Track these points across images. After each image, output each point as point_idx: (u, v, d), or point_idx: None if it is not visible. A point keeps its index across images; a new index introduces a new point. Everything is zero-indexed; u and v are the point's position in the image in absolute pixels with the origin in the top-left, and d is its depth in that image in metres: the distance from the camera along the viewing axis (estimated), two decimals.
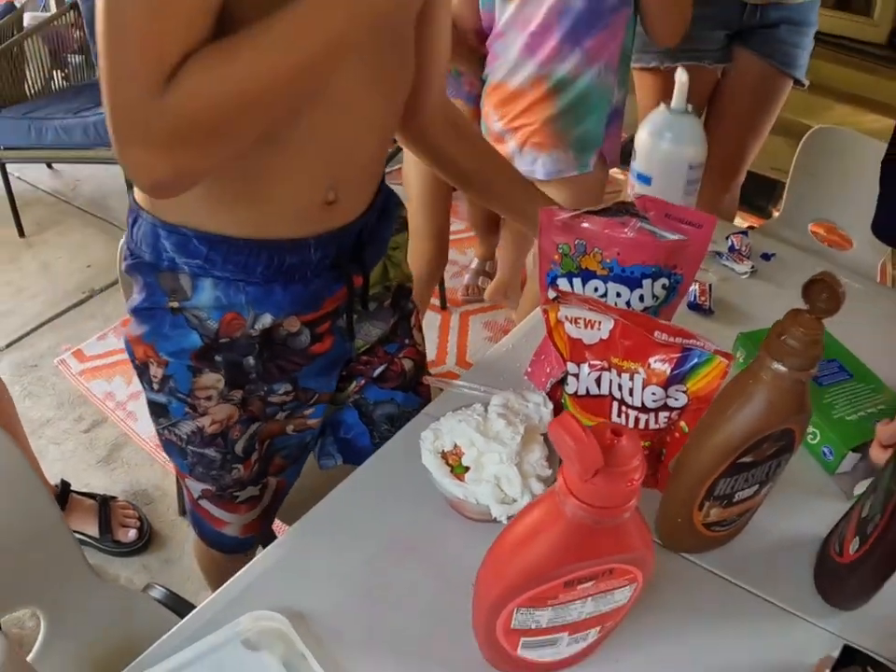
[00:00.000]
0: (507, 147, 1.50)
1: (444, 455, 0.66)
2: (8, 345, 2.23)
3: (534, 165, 1.48)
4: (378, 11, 0.58)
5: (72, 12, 3.25)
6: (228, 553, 1.03)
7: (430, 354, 2.10)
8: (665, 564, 0.70)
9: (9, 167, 2.88)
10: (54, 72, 3.14)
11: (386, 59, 0.71)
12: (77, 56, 3.28)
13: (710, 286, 1.08)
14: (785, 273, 1.22)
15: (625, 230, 0.69)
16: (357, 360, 0.89)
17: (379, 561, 0.67)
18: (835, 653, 0.62)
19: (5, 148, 2.80)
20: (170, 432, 0.84)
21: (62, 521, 0.96)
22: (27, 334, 2.29)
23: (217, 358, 0.76)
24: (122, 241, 0.80)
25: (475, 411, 0.68)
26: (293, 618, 0.60)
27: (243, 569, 0.68)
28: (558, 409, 0.71)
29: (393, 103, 0.76)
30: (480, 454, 0.64)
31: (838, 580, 0.69)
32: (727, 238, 1.24)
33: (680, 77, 0.83)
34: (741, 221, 3.06)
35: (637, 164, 0.88)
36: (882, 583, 0.66)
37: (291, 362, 0.80)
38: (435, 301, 2.26)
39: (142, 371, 0.80)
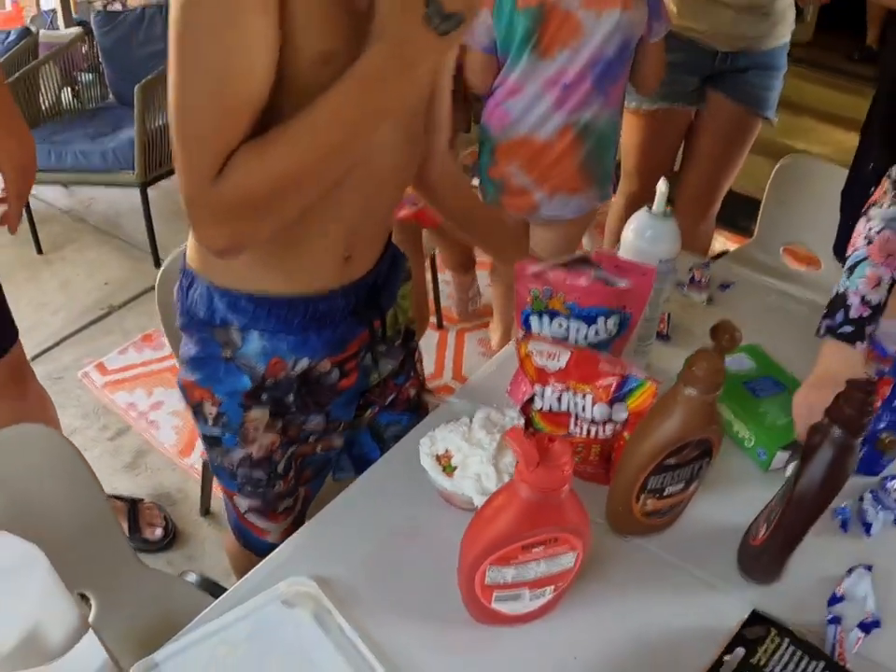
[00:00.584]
0: (533, 198, 1.66)
1: (438, 458, 0.85)
2: (33, 359, 2.40)
3: (564, 209, 1.66)
4: (406, 105, 0.75)
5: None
6: (265, 555, 1.22)
7: (429, 369, 2.28)
8: (613, 545, 0.89)
9: None
10: (65, 89, 3.31)
11: (407, 126, 0.87)
12: (87, 74, 3.45)
13: (668, 315, 1.27)
14: (739, 301, 1.41)
15: (582, 279, 0.89)
16: (371, 391, 1.07)
17: (387, 540, 0.87)
18: (745, 616, 0.81)
19: None
20: (223, 459, 1.02)
21: (112, 514, 1.15)
22: (50, 348, 2.47)
23: (264, 396, 0.94)
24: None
25: (462, 423, 0.87)
26: (321, 583, 0.80)
27: (276, 550, 0.87)
28: (529, 422, 0.90)
29: (411, 163, 0.93)
30: (465, 456, 0.83)
31: (752, 559, 0.88)
32: (690, 270, 1.43)
33: (661, 187, 1.02)
34: (725, 241, 3.26)
35: (622, 253, 1.07)
36: (784, 561, 0.85)
37: (324, 396, 0.98)
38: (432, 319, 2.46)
39: (197, 410, 0.98)
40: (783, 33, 2.05)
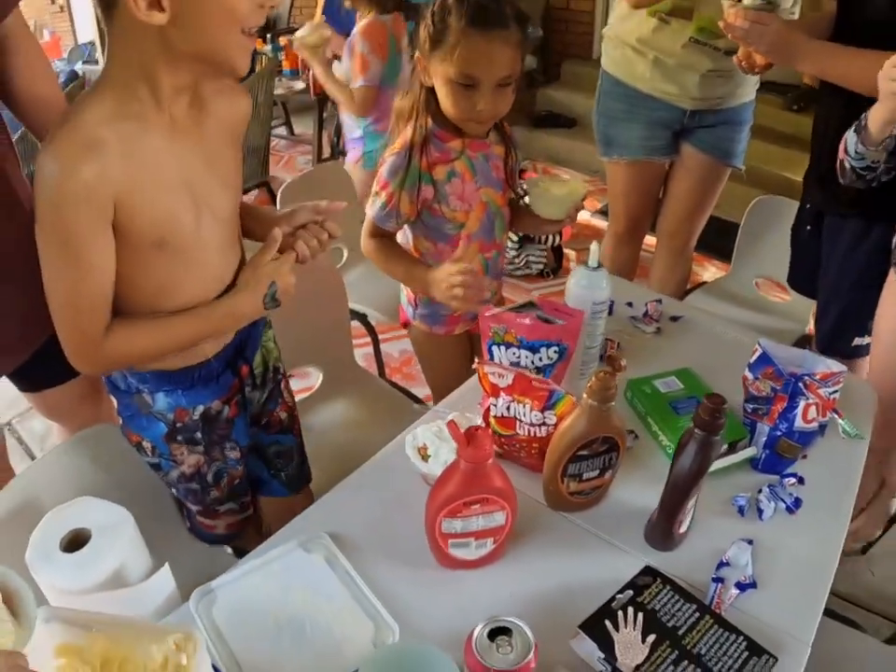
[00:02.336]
0: None
1: (418, 449, 1.20)
2: None
3: None
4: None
5: None
6: (211, 544, 1.57)
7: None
8: (548, 518, 1.22)
9: None
10: None
11: (228, 236, 1.27)
12: None
13: (618, 343, 1.59)
14: (684, 331, 1.73)
15: (527, 319, 1.23)
16: (253, 417, 1.49)
17: (381, 507, 1.21)
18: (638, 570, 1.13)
19: None
20: (166, 478, 1.42)
21: (170, 496, 1.49)
22: None
23: (179, 436, 1.34)
24: None
25: (436, 424, 1.21)
26: (331, 537, 1.14)
27: (299, 515, 1.21)
28: (488, 423, 1.24)
29: (235, 257, 1.30)
30: (437, 448, 1.17)
31: (650, 530, 1.20)
32: (645, 304, 1.76)
33: (592, 247, 1.37)
34: (716, 270, 3.57)
35: (566, 299, 1.42)
36: (670, 531, 1.16)
37: (222, 428, 1.39)
38: None
39: (138, 448, 1.38)
40: (746, 92, 2.34)
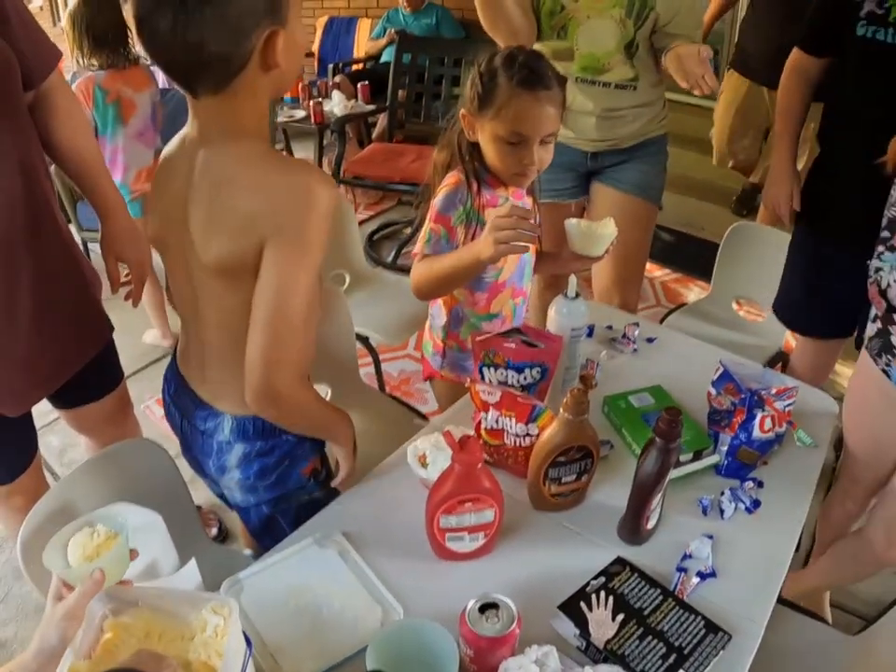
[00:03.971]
0: None
1: (419, 458, 1.38)
2: None
3: None
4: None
5: None
6: None
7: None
8: (533, 517, 1.39)
9: (90, 244, 3.66)
10: None
11: None
12: None
13: (598, 363, 1.77)
14: (658, 351, 1.90)
15: (513, 343, 1.42)
16: None
17: (388, 509, 1.40)
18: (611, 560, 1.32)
19: (86, 230, 3.58)
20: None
21: (191, 502, 1.66)
22: None
23: None
24: None
25: (434, 436, 1.40)
26: (344, 534, 1.33)
27: (315, 516, 1.39)
28: (479, 435, 1.42)
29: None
30: (435, 456, 1.36)
31: (621, 526, 1.38)
32: (624, 328, 1.94)
33: (571, 279, 1.57)
34: (700, 290, 3.75)
35: (548, 325, 1.60)
36: (638, 526, 1.34)
37: None
38: None
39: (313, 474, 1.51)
40: (649, 129, 2.31)
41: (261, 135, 1.20)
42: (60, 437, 2.84)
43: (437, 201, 1.61)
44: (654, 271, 3.85)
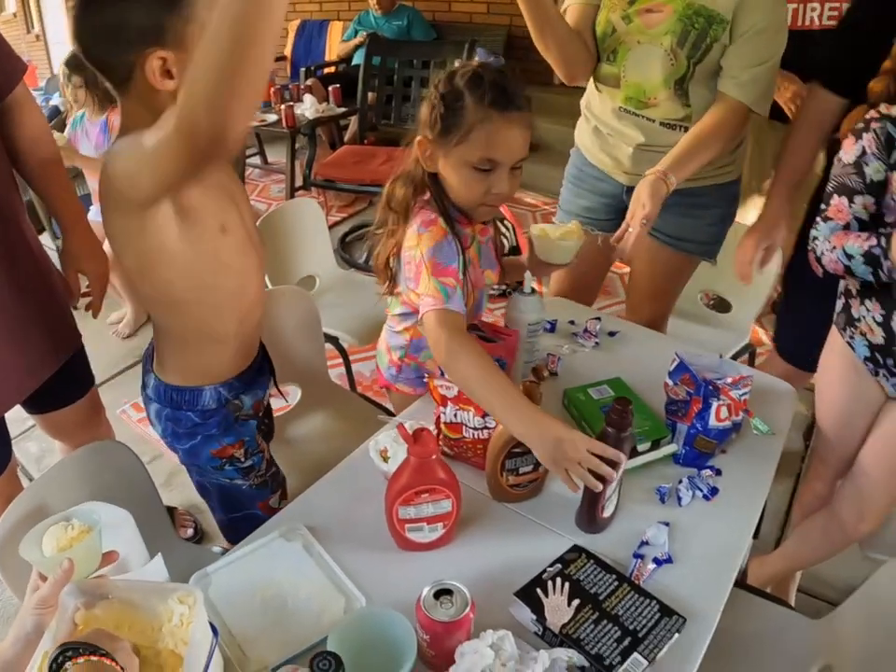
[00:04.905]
0: None
1: (380, 452, 1.42)
2: None
3: None
4: None
5: None
6: None
7: None
8: (492, 508, 1.43)
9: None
10: None
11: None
12: None
13: (559, 357, 1.82)
14: (620, 346, 1.94)
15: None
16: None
17: (350, 503, 1.43)
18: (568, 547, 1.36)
19: (61, 238, 3.59)
20: (256, 474, 1.66)
21: (160, 502, 1.70)
22: None
23: (261, 426, 1.68)
24: None
25: (395, 431, 1.44)
26: (308, 527, 1.37)
27: (281, 511, 1.43)
28: (440, 429, 1.46)
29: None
30: (395, 451, 1.40)
31: (578, 516, 1.42)
32: (586, 322, 1.99)
33: (527, 274, 1.61)
34: None
35: (505, 321, 1.65)
36: (593, 515, 1.37)
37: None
38: None
39: (230, 461, 1.60)
40: (700, 175, 1.90)
41: None
42: (37, 443, 2.87)
43: (428, 252, 1.44)
44: (623, 267, 3.90)
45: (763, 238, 1.99)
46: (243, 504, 1.67)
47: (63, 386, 1.79)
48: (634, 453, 1.49)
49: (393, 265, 1.60)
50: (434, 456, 1.20)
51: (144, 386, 1.55)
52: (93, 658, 0.86)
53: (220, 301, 1.40)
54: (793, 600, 2.13)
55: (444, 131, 1.42)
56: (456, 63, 1.46)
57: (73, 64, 3.28)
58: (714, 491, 1.50)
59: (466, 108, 1.39)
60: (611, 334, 1.99)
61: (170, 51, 1.14)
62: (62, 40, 8.49)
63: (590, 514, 1.39)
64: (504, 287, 3.67)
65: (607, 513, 1.39)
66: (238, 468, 1.60)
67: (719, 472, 1.55)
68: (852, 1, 1.93)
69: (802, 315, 2.23)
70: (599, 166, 2.13)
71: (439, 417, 1.46)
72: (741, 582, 1.88)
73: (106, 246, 1.64)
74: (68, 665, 0.85)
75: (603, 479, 1.25)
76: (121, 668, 0.88)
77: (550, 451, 1.25)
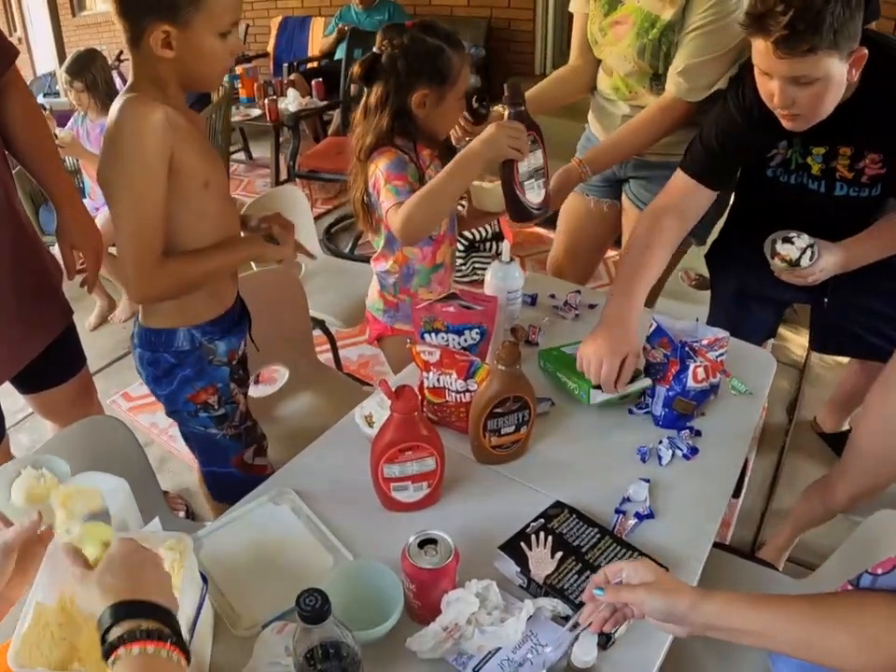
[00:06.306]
0: None
1: (365, 418, 1.45)
2: None
3: None
4: None
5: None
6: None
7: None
8: (476, 470, 1.47)
9: (52, 249, 3.69)
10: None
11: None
12: None
13: (540, 328, 1.85)
14: (597, 316, 1.99)
15: (451, 308, 1.50)
16: None
17: (338, 466, 1.47)
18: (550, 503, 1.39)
19: (48, 234, 3.62)
20: (230, 424, 1.75)
21: (153, 474, 1.72)
22: None
23: (235, 375, 1.72)
24: None
25: (379, 395, 1.47)
26: (297, 491, 1.40)
27: (273, 475, 1.46)
28: (423, 395, 1.50)
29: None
30: (380, 416, 1.43)
31: (507, 206, 1.56)
32: (566, 295, 2.03)
33: (505, 244, 1.68)
34: None
35: (485, 289, 1.69)
36: (514, 197, 1.56)
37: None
38: None
39: (204, 406, 1.69)
40: (681, 151, 1.86)
41: (146, 93, 1.40)
42: (28, 435, 2.89)
43: (384, 167, 1.71)
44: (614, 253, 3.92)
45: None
46: (218, 456, 1.77)
47: (55, 366, 1.82)
48: None
49: (366, 200, 1.83)
50: (416, 413, 1.23)
51: (132, 337, 1.68)
52: (149, 648, 0.78)
53: (196, 244, 1.53)
54: (781, 566, 2.17)
55: (445, 81, 1.71)
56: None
57: (73, 70, 3.43)
58: (694, 450, 1.54)
59: (450, 58, 1.70)
60: (591, 307, 2.02)
61: (175, 28, 1.32)
62: (44, 42, 8.47)
63: (511, 196, 1.55)
64: (464, 247, 4.02)
65: (531, 196, 1.57)
66: (211, 415, 1.69)
67: (698, 433, 1.59)
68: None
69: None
70: (597, 134, 2.27)
71: (422, 383, 1.49)
72: (748, 554, 1.93)
73: (100, 223, 1.67)
74: (121, 650, 0.78)
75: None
76: (183, 654, 0.82)
77: (493, 143, 1.56)
